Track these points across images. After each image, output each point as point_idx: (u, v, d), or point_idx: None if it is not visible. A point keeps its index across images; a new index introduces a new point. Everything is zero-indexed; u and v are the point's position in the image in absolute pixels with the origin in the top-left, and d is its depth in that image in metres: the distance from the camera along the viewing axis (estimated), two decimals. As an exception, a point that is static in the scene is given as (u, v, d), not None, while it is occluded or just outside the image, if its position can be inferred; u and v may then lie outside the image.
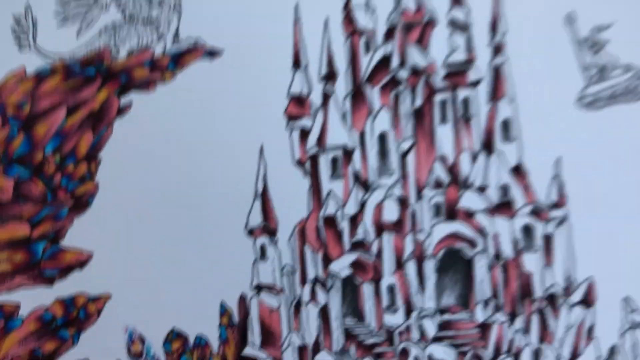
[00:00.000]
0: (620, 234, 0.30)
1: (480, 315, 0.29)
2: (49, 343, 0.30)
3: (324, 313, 0.30)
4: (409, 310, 0.30)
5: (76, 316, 0.30)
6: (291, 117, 0.30)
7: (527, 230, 0.29)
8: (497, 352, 0.29)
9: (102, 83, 0.30)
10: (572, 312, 0.29)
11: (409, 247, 0.30)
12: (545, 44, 0.30)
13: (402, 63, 0.30)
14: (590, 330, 0.29)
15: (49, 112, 0.30)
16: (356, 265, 0.30)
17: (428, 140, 0.30)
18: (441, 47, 0.30)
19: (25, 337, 0.29)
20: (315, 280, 0.30)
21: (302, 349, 0.30)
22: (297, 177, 0.30)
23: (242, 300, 0.30)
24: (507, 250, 0.29)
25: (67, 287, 0.30)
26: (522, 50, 0.30)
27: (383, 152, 0.30)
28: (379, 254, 0.30)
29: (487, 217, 0.29)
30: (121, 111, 0.30)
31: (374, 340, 0.30)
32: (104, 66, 0.30)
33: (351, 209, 0.30)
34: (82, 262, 0.30)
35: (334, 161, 0.30)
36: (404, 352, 0.30)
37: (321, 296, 0.30)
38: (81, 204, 0.30)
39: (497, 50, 0.30)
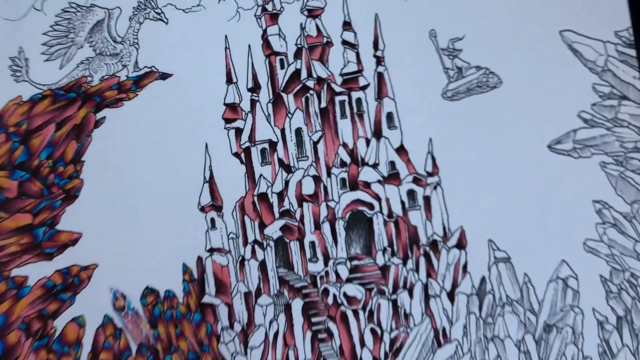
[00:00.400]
0: (480, 193, 0.35)
1: (380, 260, 0.35)
2: (52, 304, 0.34)
3: (263, 266, 0.35)
4: (326, 259, 0.35)
5: (72, 282, 0.34)
6: (228, 121, 0.36)
7: (411, 194, 0.35)
8: (395, 287, 0.35)
9: (81, 103, 0.35)
10: (450, 253, 0.35)
11: (323, 212, 0.35)
12: (414, 54, 0.36)
13: (309, 75, 0.36)
14: (465, 266, 0.35)
15: (42, 128, 0.35)
16: (285, 229, 0.35)
17: (333, 131, 0.36)
18: (337, 62, 0.35)
19: (33, 301, 0.34)
20: (254, 242, 0.35)
21: (247, 295, 0.35)
22: (236, 165, 0.36)
23: (199, 261, 0.34)
24: (397, 210, 0.35)
25: (63, 260, 0.35)
26: (397, 60, 0.36)
27: (299, 143, 0.36)
28: (302, 219, 0.35)
29: (380, 186, 0.35)
30: (97, 123, 0.35)
31: (301, 284, 0.35)
32: (82, 90, 0.36)
33: (278, 187, 0.35)
34: (74, 241, 0.35)
35: (263, 151, 0.36)
36: (325, 291, 0.35)
37: (259, 253, 0.35)
38: (71, 196, 0.35)
39: (379, 61, 0.36)
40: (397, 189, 0.36)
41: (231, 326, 0.35)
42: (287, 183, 0.36)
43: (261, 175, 0.36)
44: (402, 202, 0.36)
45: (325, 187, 0.36)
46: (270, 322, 0.35)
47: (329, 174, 0.36)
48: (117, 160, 0.36)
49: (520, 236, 0.36)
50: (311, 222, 0.36)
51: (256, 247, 0.35)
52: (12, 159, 0.35)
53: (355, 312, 0.35)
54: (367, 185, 0.36)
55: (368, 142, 0.36)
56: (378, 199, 0.36)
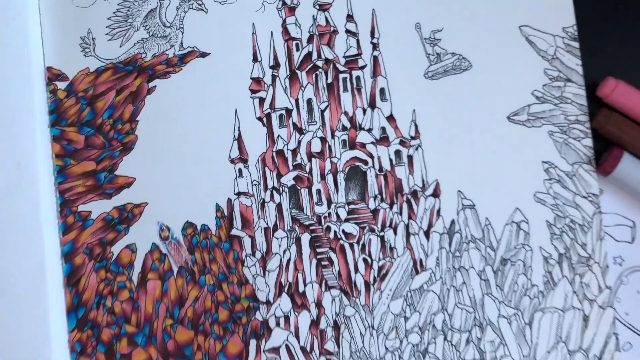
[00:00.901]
0: (452, 154, 0.38)
1: (372, 204, 0.38)
2: (110, 234, 0.37)
3: (279, 207, 0.38)
4: (329, 203, 0.38)
5: (126, 216, 0.38)
6: (253, 91, 0.38)
7: (397, 153, 0.39)
8: (383, 226, 0.38)
9: (137, 75, 0.38)
10: (427, 201, 0.38)
11: (328, 166, 0.39)
12: (403, 42, 0.39)
13: (319, 56, 0.39)
14: (438, 211, 0.38)
15: (104, 94, 0.38)
16: (297, 178, 0.38)
17: (336, 102, 0.39)
18: (341, 46, 0.39)
19: (95, 231, 0.37)
20: (273, 188, 0.38)
21: (266, 229, 0.38)
22: (259, 127, 0.38)
23: (229, 202, 0.38)
24: (386, 166, 0.38)
25: (120, 199, 0.38)
26: (389, 47, 0.38)
27: (310, 110, 0.39)
28: (310, 171, 0.39)
29: (373, 146, 0.38)
30: (149, 91, 0.38)
31: (309, 222, 0.38)
32: (137, 64, 0.38)
33: (292, 145, 0.39)
34: (129, 184, 0.38)
35: (280, 117, 0.39)
36: (328, 228, 0.38)
37: (276, 197, 0.38)
38: (127, 148, 0.38)
39: (375, 47, 0.39)
40: (387, 149, 0.39)
41: (253, 254, 0.38)
42: (299, 142, 0.39)
43: (279, 135, 0.39)
44: (390, 160, 0.39)
45: (329, 146, 0.39)
46: (284, 251, 0.38)
47: (332, 136, 0.39)
48: (165, 120, 0.39)
49: (483, 188, 0.38)
50: (318, 173, 0.39)
51: (274, 192, 0.39)
52: (80, 117, 0.39)
53: (351, 245, 0.38)
54: (362, 145, 0.39)
55: (364, 111, 0.39)
56: (371, 156, 0.39)
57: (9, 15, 0.37)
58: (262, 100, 0.38)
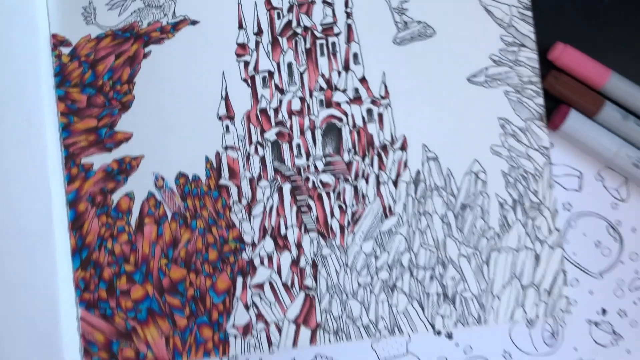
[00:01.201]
0: (418, 111, 0.41)
1: (346, 157, 0.41)
2: (110, 183, 0.40)
3: (262, 160, 0.41)
4: (308, 156, 0.41)
5: (125, 168, 0.40)
6: (239, 55, 0.41)
7: (369, 111, 0.41)
8: (356, 176, 0.41)
9: (133, 41, 0.41)
10: (395, 153, 0.41)
11: (306, 123, 0.41)
12: (374, 11, 0.41)
13: (298, 24, 0.41)
14: (405, 162, 0.41)
15: (105, 58, 0.41)
16: (279, 134, 0.41)
17: (314, 65, 0.41)
18: (319, 15, 0.41)
19: (97, 181, 0.40)
20: (257, 142, 0.41)
21: (251, 179, 0.40)
22: (244, 87, 0.41)
23: (218, 155, 0.40)
24: (359, 122, 0.41)
25: (119, 152, 0.40)
26: (361, 15, 0.41)
27: (290, 73, 0.41)
28: (291, 127, 0.41)
29: (347, 105, 0.41)
30: (145, 55, 0.41)
31: (290, 173, 0.41)
32: (134, 32, 0.41)
33: (274, 104, 0.41)
34: (127, 138, 0.40)
35: (264, 79, 0.41)
36: (307, 179, 0.41)
37: (260, 151, 0.41)
38: (125, 106, 0.40)
39: (348, 16, 0.41)
40: (359, 107, 0.41)
41: (239, 201, 0.40)
42: (280, 102, 0.41)
43: (262, 95, 0.41)
44: (363, 117, 0.41)
45: (308, 105, 0.41)
46: (267, 199, 0.41)
47: (311, 96, 0.41)
48: (159, 82, 0.41)
49: (445, 142, 0.41)
50: (297, 130, 0.41)
51: (258, 146, 0.41)
52: (83, 79, 0.41)
53: (328, 194, 0.41)
54: (338, 104, 0.41)
55: (339, 73, 0.41)
56: (345, 114, 0.41)
57: None
58: (247, 64, 0.41)
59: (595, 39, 0.42)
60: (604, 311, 0.41)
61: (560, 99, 0.41)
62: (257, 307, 0.40)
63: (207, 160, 0.41)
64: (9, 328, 0.40)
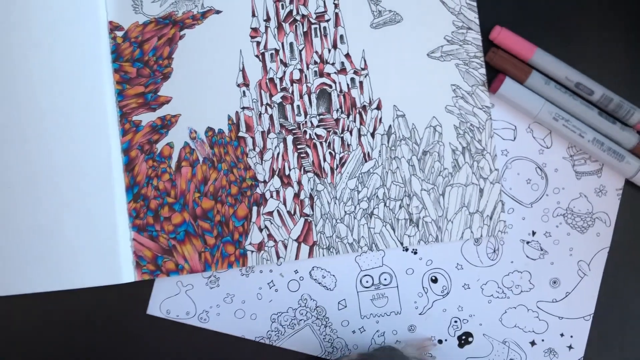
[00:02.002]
0: (389, 80, 0.49)
1: (335, 115, 0.49)
2: (155, 135, 0.48)
3: (271, 117, 0.49)
4: (305, 114, 0.49)
5: (166, 123, 0.48)
6: (252, 37, 0.49)
7: (352, 80, 0.49)
8: (342, 130, 0.49)
9: (172, 26, 0.49)
10: (372, 112, 0.49)
11: (304, 89, 0.49)
12: (355, 2, 0.49)
13: (297, 12, 0.49)
14: (380, 119, 0.49)
15: (149, 39, 0.49)
16: (283, 97, 0.49)
17: (310, 44, 0.49)
18: (313, 6, 0.49)
19: (145, 133, 0.48)
20: (267, 104, 0.49)
21: (263, 132, 0.49)
22: (257, 62, 0.49)
23: (237, 113, 0.48)
24: (345, 88, 0.49)
25: (161, 111, 0.48)
26: (346, 5, 0.49)
27: (292, 50, 0.49)
28: (292, 92, 0.49)
29: (335, 75, 0.49)
30: (181, 37, 0.48)
31: (292, 127, 0.49)
32: (172, 19, 0.49)
33: (279, 74, 0.49)
34: (168, 101, 0.48)
35: (271, 55, 0.49)
36: (305, 132, 0.49)
37: (269, 110, 0.49)
38: (166, 77, 0.48)
39: (336, 6, 0.49)
40: (345, 77, 0.49)
41: (254, 149, 0.49)
42: (284, 72, 0.49)
43: (270, 68, 0.49)
44: (347, 84, 0.49)
45: (305, 75, 0.49)
46: (275, 147, 0.49)
47: (307, 68, 0.49)
48: (192, 57, 0.49)
49: (411, 103, 0.49)
50: (297, 94, 0.49)
51: (267, 107, 0.49)
52: (133, 56, 0.49)
53: (321, 143, 0.49)
54: (328, 74, 0.49)
55: (329, 51, 0.49)
56: (334, 82, 0.49)
57: None
58: (258, 44, 0.49)
59: (525, 23, 0.50)
60: (533, 233, 0.51)
61: (498, 69, 0.49)
62: (268, 229, 0.50)
63: (229, 117, 0.49)
64: (79, 248, 0.48)
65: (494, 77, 0.50)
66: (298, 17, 0.51)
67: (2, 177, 0.48)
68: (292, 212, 0.50)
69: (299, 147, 0.50)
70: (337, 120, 0.50)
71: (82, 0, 0.49)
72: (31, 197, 0.48)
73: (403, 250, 0.50)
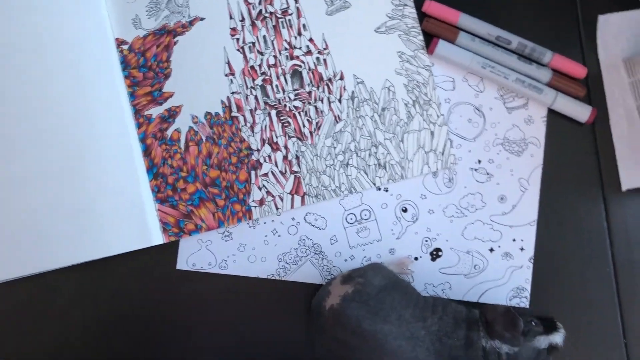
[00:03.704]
0: (347, 54, 0.58)
1: (308, 89, 0.58)
2: (164, 124, 0.56)
3: (256, 98, 0.57)
4: (283, 91, 0.58)
5: (172, 113, 0.56)
6: (232, 35, 0.57)
7: (317, 59, 0.57)
8: (315, 100, 0.57)
9: (166, 35, 0.57)
10: (337, 82, 0.58)
11: (280, 71, 0.58)
12: None
13: (266, 10, 0.58)
14: (344, 87, 0.57)
15: (150, 48, 0.57)
16: (264, 80, 0.57)
17: (279, 35, 0.58)
18: (278, 4, 0.58)
19: (156, 124, 0.57)
20: (251, 87, 0.57)
21: (251, 110, 0.57)
22: (239, 55, 0.58)
23: (228, 98, 0.57)
24: (312, 67, 0.58)
25: (167, 104, 0.57)
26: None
27: (265, 41, 0.58)
28: (270, 75, 0.58)
29: (304, 56, 0.58)
30: (175, 43, 0.57)
31: (274, 103, 0.58)
32: (166, 29, 0.57)
33: (258, 62, 0.58)
34: (171, 95, 0.57)
35: (250, 47, 0.58)
36: (285, 105, 0.57)
37: (254, 92, 0.57)
38: (167, 76, 0.57)
39: (296, 1, 0.58)
40: (311, 57, 0.58)
41: (245, 124, 0.57)
42: (261, 60, 0.58)
43: (250, 57, 0.58)
44: (314, 63, 0.57)
45: (279, 60, 0.58)
46: (262, 121, 0.58)
47: (280, 54, 0.58)
48: (186, 57, 0.57)
49: (367, 71, 0.57)
50: (275, 76, 0.58)
51: (252, 89, 0.57)
52: (138, 63, 0.57)
53: (299, 113, 0.58)
54: (297, 57, 0.58)
55: (296, 38, 0.58)
56: (303, 62, 0.58)
57: (90, 10, 0.62)
58: (238, 40, 0.58)
59: (449, -5, 0.62)
60: (479, 161, 0.60)
61: (432, 34, 0.58)
62: (266, 188, 0.59)
63: (222, 102, 0.58)
64: (116, 221, 0.57)
65: (430, 41, 0.59)
66: (267, 14, 0.59)
67: (49, 170, 0.59)
68: (283, 171, 0.58)
69: (281, 118, 0.59)
70: (309, 93, 0.59)
71: (92, 24, 0.57)
72: (72, 184, 0.58)
73: (376, 189, 0.59)
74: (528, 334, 0.48)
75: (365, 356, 0.47)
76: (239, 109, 0.59)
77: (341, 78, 0.60)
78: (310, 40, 0.60)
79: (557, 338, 0.49)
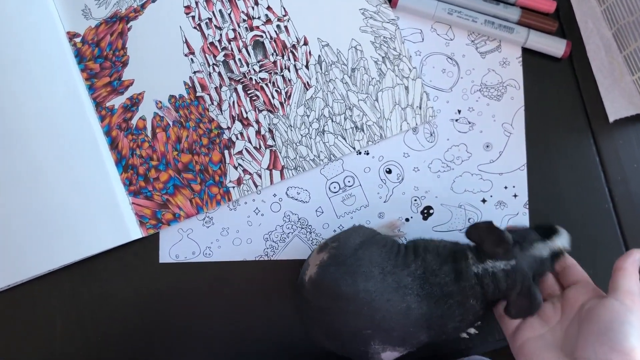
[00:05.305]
0: (308, 19, 0.57)
1: (272, 59, 0.56)
2: (128, 113, 0.55)
3: (219, 74, 0.56)
4: (247, 64, 0.56)
5: (135, 102, 0.55)
6: (187, 13, 0.56)
7: (278, 27, 0.57)
8: (281, 69, 0.56)
9: (119, 22, 0.56)
10: (302, 48, 0.56)
11: (240, 44, 0.56)
12: None
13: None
14: (310, 52, 0.56)
15: (104, 37, 0.56)
16: (225, 55, 0.56)
17: (236, 7, 0.57)
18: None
19: (119, 114, 0.55)
20: (213, 64, 0.56)
21: (216, 88, 0.56)
22: (196, 32, 0.56)
23: (190, 78, 0.56)
24: (274, 35, 0.57)
25: (128, 93, 0.56)
26: None
27: (222, 15, 0.57)
28: (232, 49, 0.57)
29: (264, 26, 0.57)
30: (129, 29, 0.56)
31: (239, 77, 0.57)
32: (118, 16, 0.56)
33: (217, 37, 0.57)
34: (131, 83, 0.56)
35: (206, 23, 0.57)
36: (251, 79, 0.56)
37: (216, 68, 0.56)
38: (125, 64, 0.56)
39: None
40: (271, 26, 0.57)
41: (212, 103, 0.57)
42: (221, 35, 0.57)
43: (208, 34, 0.57)
44: (275, 31, 0.57)
45: (239, 33, 0.57)
46: (229, 97, 0.57)
47: (239, 27, 0.57)
48: (142, 42, 0.57)
49: (332, 32, 0.56)
50: (236, 49, 0.57)
51: (214, 66, 0.56)
52: (94, 54, 0.56)
53: (267, 85, 0.57)
54: (257, 27, 0.57)
55: (253, 8, 0.57)
56: (264, 32, 0.57)
57: (36, 6, 0.60)
58: (193, 17, 0.57)
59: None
60: (459, 111, 0.59)
61: None
62: (242, 166, 0.58)
63: (185, 83, 0.57)
64: (90, 221, 0.56)
65: (392, -6, 0.58)
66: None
67: (12, 175, 0.56)
68: (258, 147, 0.58)
69: (249, 92, 0.58)
70: (274, 63, 0.58)
71: (40, 20, 0.57)
72: (39, 187, 0.56)
73: (357, 154, 0.58)
74: (524, 242, 0.45)
75: (354, 317, 0.44)
76: (204, 88, 0.58)
77: (305, 43, 0.58)
78: (268, 8, 0.59)
79: (559, 241, 0.46)
